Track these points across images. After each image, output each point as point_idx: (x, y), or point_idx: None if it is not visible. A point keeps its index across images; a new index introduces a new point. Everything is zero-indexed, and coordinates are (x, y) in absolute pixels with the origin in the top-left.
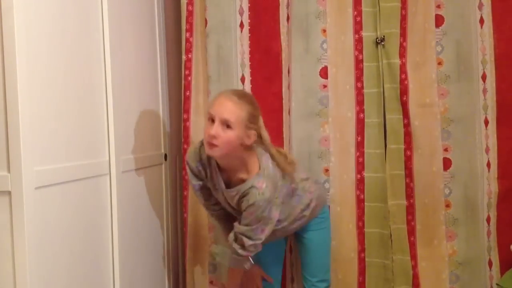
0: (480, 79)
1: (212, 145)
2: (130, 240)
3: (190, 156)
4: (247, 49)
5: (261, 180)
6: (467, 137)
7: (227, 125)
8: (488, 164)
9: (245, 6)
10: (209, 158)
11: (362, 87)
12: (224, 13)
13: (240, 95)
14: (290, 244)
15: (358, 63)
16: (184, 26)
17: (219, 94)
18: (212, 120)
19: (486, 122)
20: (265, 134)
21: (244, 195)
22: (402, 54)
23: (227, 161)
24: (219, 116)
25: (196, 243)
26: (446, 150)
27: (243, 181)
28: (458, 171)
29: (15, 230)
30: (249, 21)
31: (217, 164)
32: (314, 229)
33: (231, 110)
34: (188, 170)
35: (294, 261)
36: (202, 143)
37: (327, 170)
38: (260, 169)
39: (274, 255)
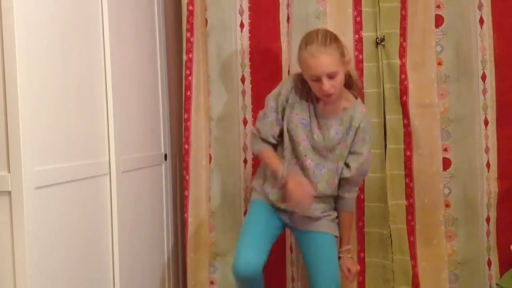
0: (480, 79)
1: (328, 96)
2: (130, 240)
3: (290, 78)
4: (247, 49)
5: (362, 105)
6: (467, 137)
7: (331, 76)
8: (488, 164)
9: (245, 6)
10: (308, 90)
11: (362, 87)
12: (224, 13)
13: (324, 41)
14: (290, 243)
15: (358, 63)
16: (184, 26)
17: (306, 50)
18: (316, 79)
19: (486, 122)
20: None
21: (351, 121)
22: (402, 54)
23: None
24: (323, 73)
25: (197, 243)
26: (445, 150)
27: (344, 109)
28: (457, 171)
29: (15, 230)
30: (249, 21)
31: (316, 98)
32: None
33: (329, 62)
34: (278, 92)
35: (294, 260)
36: (298, 75)
37: None
38: (355, 98)
39: (267, 230)
